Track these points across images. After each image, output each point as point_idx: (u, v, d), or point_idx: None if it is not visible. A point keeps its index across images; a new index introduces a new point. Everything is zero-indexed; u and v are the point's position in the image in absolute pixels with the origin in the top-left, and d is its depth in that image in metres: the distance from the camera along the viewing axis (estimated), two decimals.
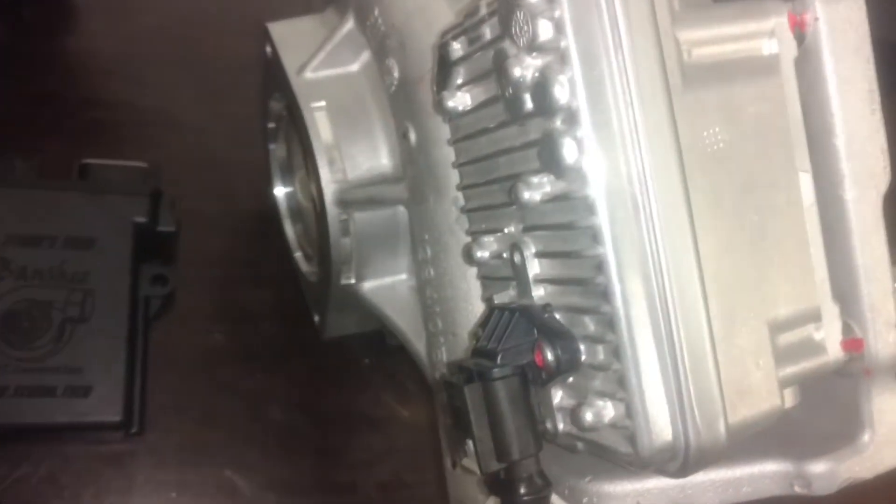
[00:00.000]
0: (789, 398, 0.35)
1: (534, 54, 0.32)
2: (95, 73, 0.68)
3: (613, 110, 0.31)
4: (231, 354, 0.62)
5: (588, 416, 0.32)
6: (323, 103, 0.49)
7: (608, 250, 0.31)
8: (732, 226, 0.33)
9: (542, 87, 0.31)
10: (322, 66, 0.50)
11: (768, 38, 0.34)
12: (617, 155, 0.31)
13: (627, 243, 0.31)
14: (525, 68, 0.32)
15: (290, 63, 0.51)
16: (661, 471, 0.32)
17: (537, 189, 0.33)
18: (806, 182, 0.34)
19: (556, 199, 0.32)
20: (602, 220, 0.31)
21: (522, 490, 0.34)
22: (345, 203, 0.48)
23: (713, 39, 0.33)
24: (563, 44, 0.31)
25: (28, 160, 0.59)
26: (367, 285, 0.51)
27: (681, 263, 0.31)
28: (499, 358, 0.34)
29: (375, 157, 0.49)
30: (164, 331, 0.61)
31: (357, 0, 0.49)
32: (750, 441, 0.34)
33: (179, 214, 0.61)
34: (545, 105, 0.31)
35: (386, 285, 0.51)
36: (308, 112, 0.49)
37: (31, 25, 0.64)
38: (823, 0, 0.34)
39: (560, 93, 0.31)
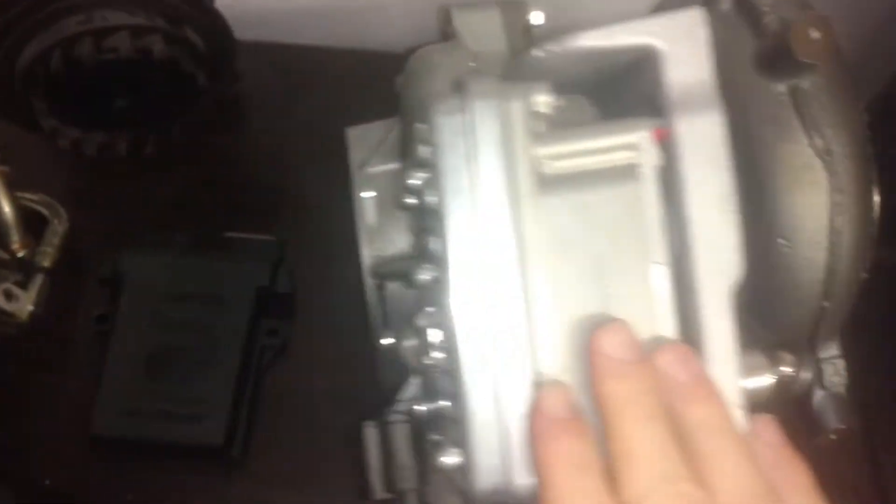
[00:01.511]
0: None
1: (420, 169, 0.40)
2: (252, 163, 0.84)
3: (469, 214, 0.38)
4: (330, 398, 0.74)
5: (443, 459, 0.39)
6: (373, 193, 0.60)
7: (454, 325, 0.39)
8: (575, 308, 0.39)
9: (420, 193, 0.40)
10: (377, 163, 0.61)
11: (629, 150, 0.40)
12: (467, 247, 0.38)
13: (470, 315, 0.38)
14: (416, 178, 0.41)
15: (355, 160, 0.62)
16: None
17: (426, 272, 0.41)
18: (661, 273, 0.39)
19: (433, 282, 0.40)
20: (452, 300, 0.39)
21: None
22: (377, 274, 0.58)
23: (574, 153, 0.39)
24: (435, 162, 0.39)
25: (185, 234, 0.74)
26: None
27: (514, 338, 0.38)
28: (395, 406, 0.42)
29: (407, 239, 0.58)
30: (277, 376, 0.74)
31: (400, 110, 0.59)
32: None
33: (295, 280, 0.74)
34: (422, 206, 0.40)
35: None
36: (357, 199, 0.60)
37: (207, 125, 0.80)
38: (682, 118, 0.39)
39: (428, 198, 0.39)
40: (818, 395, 0.55)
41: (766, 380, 0.40)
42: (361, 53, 0.87)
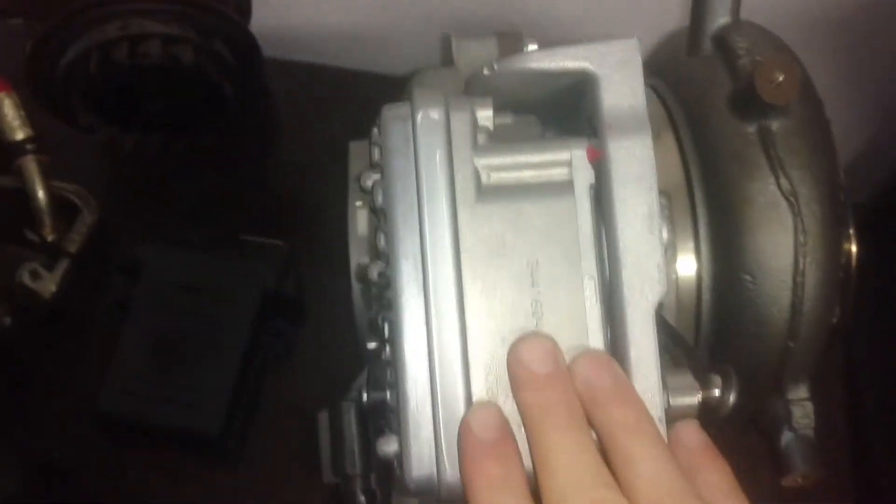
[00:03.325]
0: None
1: (372, 171, 0.44)
2: (277, 174, 0.88)
3: (411, 214, 0.41)
4: (331, 402, 0.77)
5: (382, 447, 0.42)
6: (359, 203, 0.63)
7: (396, 318, 0.41)
8: (506, 311, 0.41)
9: (371, 193, 0.43)
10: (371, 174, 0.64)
11: (565, 167, 0.42)
12: (408, 245, 0.41)
13: (410, 308, 0.41)
14: (371, 179, 0.44)
15: (353, 172, 0.65)
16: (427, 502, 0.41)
17: (375, 269, 0.44)
18: (591, 286, 0.41)
19: (381, 276, 0.43)
20: (394, 293, 0.41)
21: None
22: (362, 279, 0.61)
23: (512, 166, 0.42)
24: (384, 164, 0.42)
25: (203, 232, 0.79)
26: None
27: (449, 336, 0.40)
28: (347, 394, 0.45)
29: None
30: (281, 378, 0.78)
31: None
32: None
33: (304, 287, 0.77)
34: (374, 206, 0.43)
35: None
36: (351, 208, 0.63)
37: (237, 135, 0.84)
38: (613, 138, 0.41)
39: (378, 198, 0.42)
40: (786, 436, 0.56)
41: (691, 399, 0.42)
42: (387, 78, 0.91)
